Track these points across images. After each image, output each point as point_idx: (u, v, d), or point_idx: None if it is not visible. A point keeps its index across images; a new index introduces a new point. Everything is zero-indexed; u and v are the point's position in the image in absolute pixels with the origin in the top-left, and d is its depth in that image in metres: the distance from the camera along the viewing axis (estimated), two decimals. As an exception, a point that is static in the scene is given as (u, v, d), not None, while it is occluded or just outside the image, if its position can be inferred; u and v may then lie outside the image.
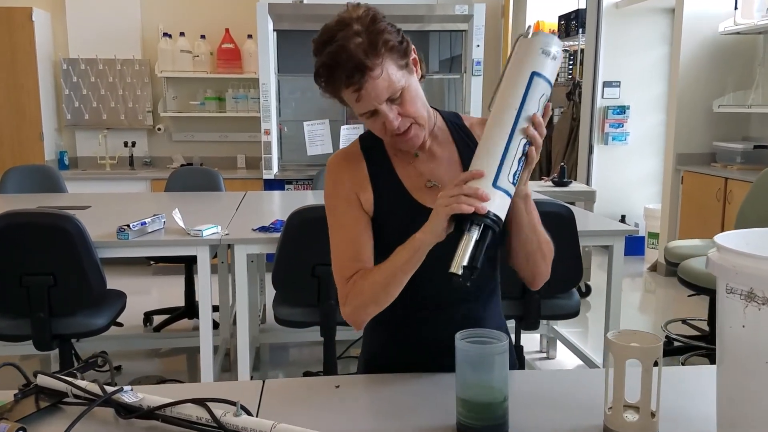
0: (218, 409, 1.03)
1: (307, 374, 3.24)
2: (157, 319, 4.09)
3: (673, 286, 5.04)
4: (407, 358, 1.32)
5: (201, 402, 1.05)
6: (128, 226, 2.54)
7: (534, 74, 1.12)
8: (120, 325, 3.57)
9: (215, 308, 3.64)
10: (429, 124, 1.27)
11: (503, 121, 1.12)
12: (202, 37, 5.60)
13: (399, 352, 1.35)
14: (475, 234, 1.06)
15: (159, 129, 5.78)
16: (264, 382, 1.26)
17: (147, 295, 4.95)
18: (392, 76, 1.15)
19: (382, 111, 1.18)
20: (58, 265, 2.48)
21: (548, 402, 1.18)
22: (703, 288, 2.95)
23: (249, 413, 1.04)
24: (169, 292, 4.70)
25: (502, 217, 1.09)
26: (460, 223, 1.09)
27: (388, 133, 1.22)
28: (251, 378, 3.22)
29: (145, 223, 2.62)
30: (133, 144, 5.73)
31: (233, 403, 1.03)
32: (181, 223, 2.64)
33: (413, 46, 1.22)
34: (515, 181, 1.12)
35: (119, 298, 2.80)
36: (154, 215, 2.72)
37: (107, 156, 5.65)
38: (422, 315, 1.33)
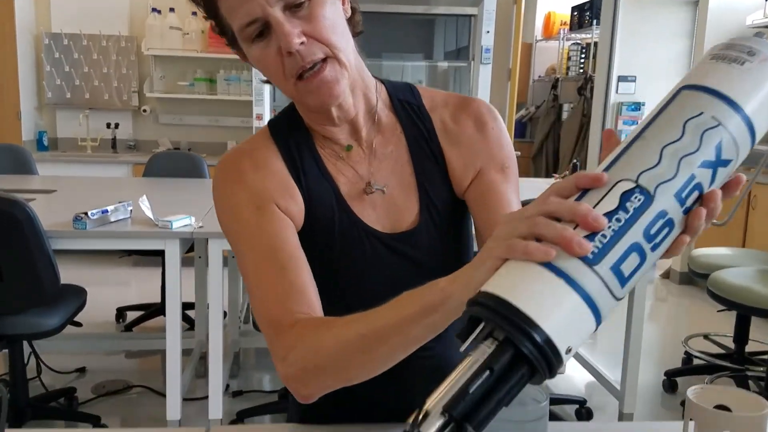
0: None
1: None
2: (132, 315, 3.77)
3: (688, 295, 4.73)
4: (347, 410, 0.96)
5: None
6: (86, 214, 2.22)
7: (685, 89, 0.57)
8: (78, 324, 3.24)
9: (191, 305, 3.33)
10: (369, 96, 0.93)
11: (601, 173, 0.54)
12: (194, 13, 5.24)
13: (338, 401, 0.90)
14: (486, 353, 0.49)
15: (144, 110, 5.43)
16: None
17: (125, 287, 4.62)
18: None
19: (275, 20, 0.77)
20: (5, 257, 2.17)
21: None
22: (737, 303, 2.63)
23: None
24: (149, 285, 4.36)
25: (576, 345, 0.50)
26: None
27: (287, 69, 0.80)
28: (227, 387, 2.90)
29: (106, 211, 2.30)
30: (117, 126, 5.39)
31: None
32: (149, 213, 2.32)
33: None
34: (624, 283, 0.52)
35: (77, 295, 2.48)
36: (120, 202, 2.40)
37: (88, 137, 5.31)
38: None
